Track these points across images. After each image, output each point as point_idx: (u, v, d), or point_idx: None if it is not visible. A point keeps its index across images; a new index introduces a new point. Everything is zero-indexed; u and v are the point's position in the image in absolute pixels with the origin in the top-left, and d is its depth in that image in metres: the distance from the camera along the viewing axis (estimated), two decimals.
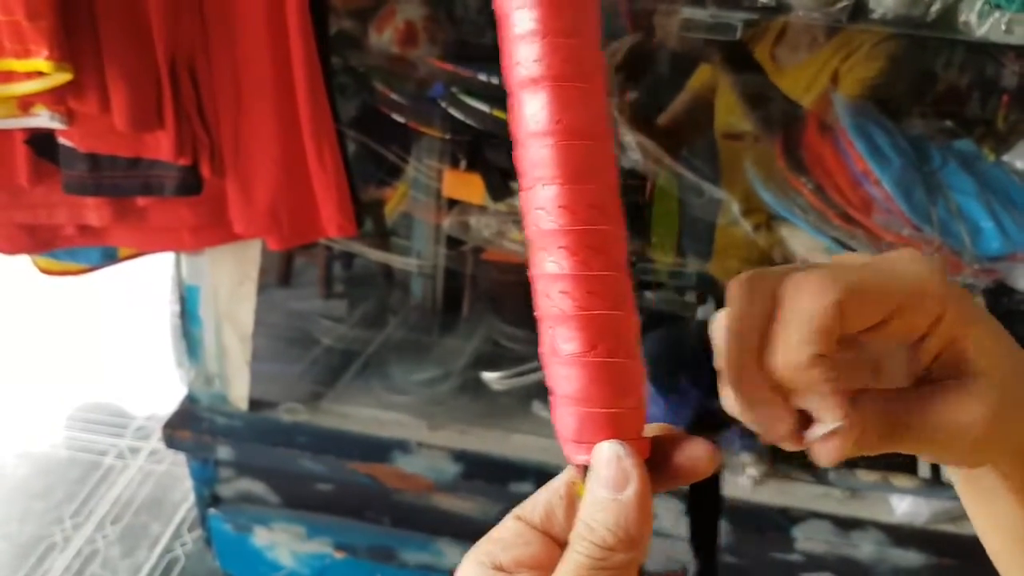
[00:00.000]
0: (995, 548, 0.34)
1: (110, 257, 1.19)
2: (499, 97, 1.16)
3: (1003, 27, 0.88)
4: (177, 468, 1.74)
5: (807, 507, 1.21)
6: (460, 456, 1.27)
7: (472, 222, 1.28)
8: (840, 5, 0.92)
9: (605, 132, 0.27)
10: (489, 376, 1.36)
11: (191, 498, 1.60)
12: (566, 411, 0.28)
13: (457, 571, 0.29)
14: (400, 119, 1.25)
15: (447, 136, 1.25)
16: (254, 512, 1.37)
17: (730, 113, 1.23)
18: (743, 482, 1.23)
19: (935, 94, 1.26)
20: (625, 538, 0.26)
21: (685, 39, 1.07)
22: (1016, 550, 0.33)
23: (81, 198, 1.03)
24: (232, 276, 1.21)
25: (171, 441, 1.34)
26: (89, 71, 0.88)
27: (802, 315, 0.27)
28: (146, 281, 1.69)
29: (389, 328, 1.52)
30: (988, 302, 1.12)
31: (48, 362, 2.07)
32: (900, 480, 1.18)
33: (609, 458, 0.27)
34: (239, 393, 1.32)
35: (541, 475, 1.16)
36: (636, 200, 1.23)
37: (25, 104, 0.89)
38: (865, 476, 1.21)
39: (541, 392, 1.35)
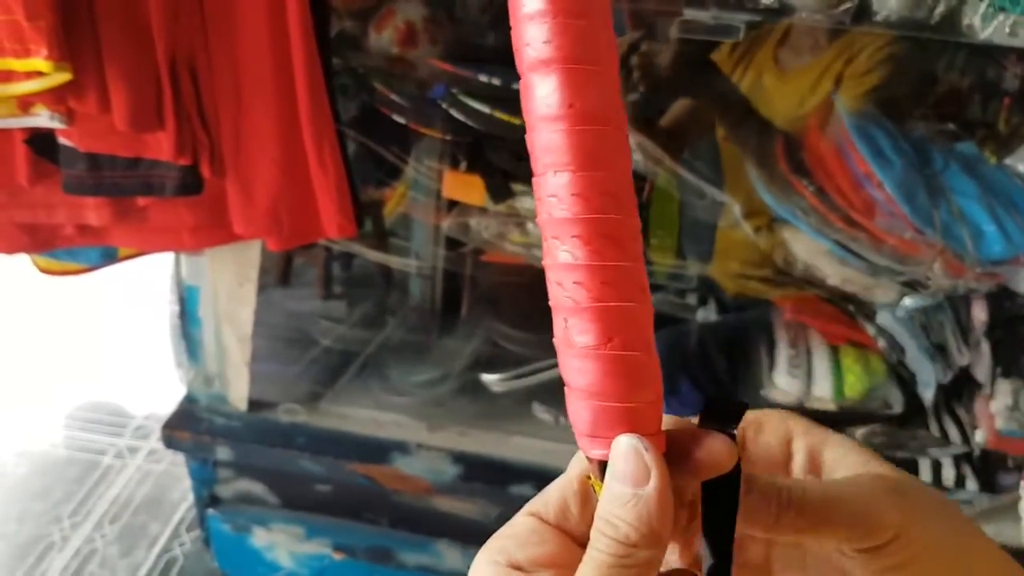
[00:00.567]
0: None
1: (110, 257, 1.19)
2: (500, 98, 1.15)
3: (1007, 30, 0.87)
4: (176, 468, 1.74)
5: None
6: (459, 458, 1.27)
7: (472, 223, 1.28)
8: (844, 7, 0.92)
9: (618, 117, 0.26)
10: (489, 378, 1.36)
11: (190, 498, 1.60)
12: (580, 404, 0.27)
13: (471, 571, 0.28)
14: (400, 120, 1.25)
15: (447, 137, 1.24)
16: (253, 512, 1.37)
17: None
18: None
19: (937, 96, 1.26)
20: (649, 534, 0.25)
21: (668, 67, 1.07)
22: None
23: (81, 198, 1.03)
24: (232, 277, 1.21)
25: (170, 441, 1.34)
26: (89, 71, 0.88)
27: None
28: (146, 281, 1.69)
29: (388, 329, 1.52)
30: (990, 306, 1.11)
31: (47, 361, 2.07)
32: None
33: (628, 452, 0.26)
34: (238, 394, 1.31)
35: (541, 477, 1.16)
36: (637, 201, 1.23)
37: (25, 104, 0.89)
38: None
39: (541, 394, 1.35)
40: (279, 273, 1.61)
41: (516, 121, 1.13)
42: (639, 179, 1.20)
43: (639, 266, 0.26)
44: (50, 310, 2.15)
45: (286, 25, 0.95)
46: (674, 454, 0.27)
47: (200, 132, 0.98)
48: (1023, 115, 1.21)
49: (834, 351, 1.20)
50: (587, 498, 0.29)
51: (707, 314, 1.35)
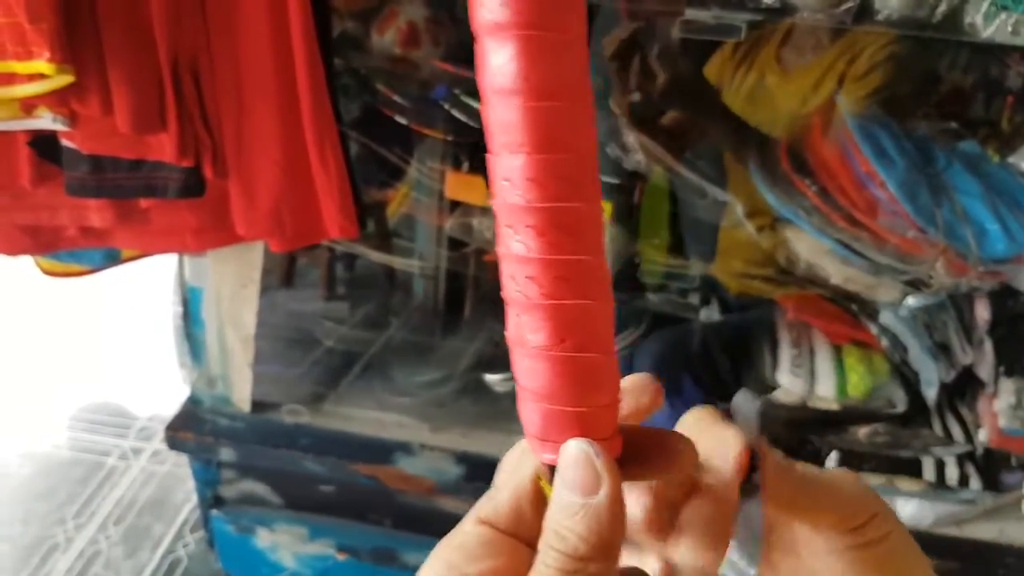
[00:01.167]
0: None
1: (112, 258, 1.19)
2: None
3: (1009, 28, 0.87)
4: (179, 469, 1.74)
5: None
6: (462, 458, 1.27)
7: (474, 224, 1.28)
8: (845, 6, 0.92)
9: (583, 94, 0.23)
10: (492, 378, 1.36)
11: (193, 499, 1.60)
12: (531, 406, 0.25)
13: None
14: (402, 120, 1.25)
15: (449, 138, 1.24)
16: (256, 513, 1.37)
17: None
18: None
19: (939, 95, 1.26)
20: (599, 545, 0.24)
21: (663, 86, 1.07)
22: None
23: (83, 200, 1.03)
24: (234, 278, 1.21)
25: (173, 442, 1.34)
26: (91, 73, 0.88)
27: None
28: (149, 282, 1.69)
29: (391, 330, 1.52)
30: (993, 305, 1.11)
31: (51, 363, 2.08)
32: (905, 484, 1.18)
33: (577, 459, 0.24)
34: (241, 395, 1.31)
35: None
36: (631, 200, 1.23)
37: (28, 106, 0.89)
38: (870, 479, 1.21)
39: None
40: (283, 274, 1.61)
41: None
42: (634, 179, 1.20)
43: (599, 260, 0.24)
44: (53, 312, 2.15)
45: (288, 26, 0.95)
46: (628, 454, 0.26)
47: (202, 134, 0.98)
48: None
49: (837, 350, 1.20)
50: (542, 501, 0.26)
51: (710, 314, 1.35)
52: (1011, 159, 1.13)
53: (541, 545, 0.25)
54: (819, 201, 1.04)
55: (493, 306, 1.49)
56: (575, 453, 0.24)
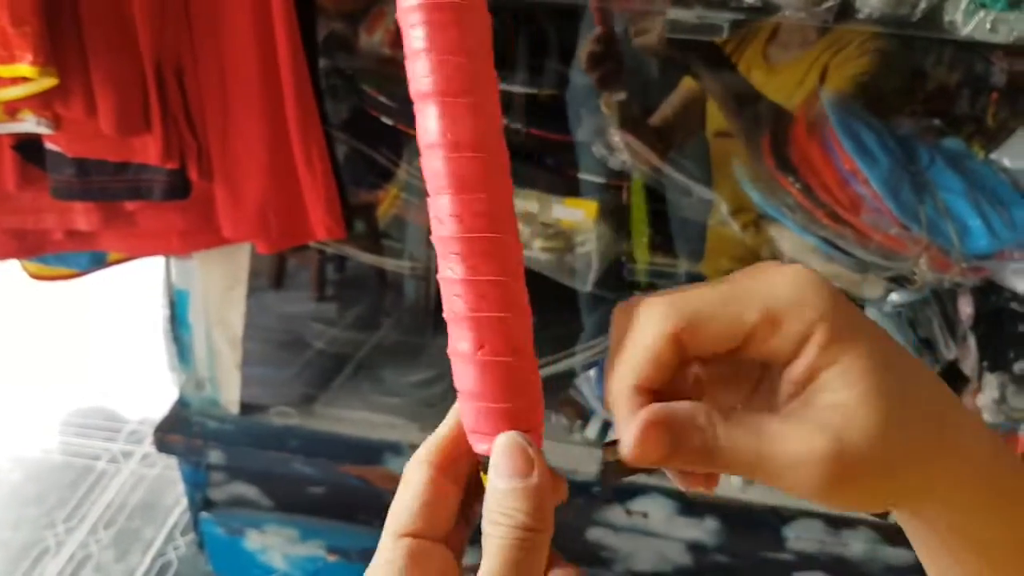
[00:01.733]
0: None
1: (99, 261, 1.19)
2: None
3: (988, 26, 0.88)
4: (169, 472, 1.74)
5: (798, 506, 1.21)
6: None
7: None
8: (826, 5, 0.93)
9: (495, 144, 0.28)
10: None
11: (183, 502, 1.60)
12: (466, 405, 0.29)
13: None
14: (391, 122, 1.25)
15: None
16: (246, 515, 1.37)
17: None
18: (734, 481, 1.23)
19: (923, 92, 1.26)
20: (543, 518, 0.27)
21: (664, 44, 1.07)
22: None
23: (69, 203, 1.03)
24: (221, 280, 1.21)
25: (162, 445, 1.34)
26: (75, 76, 0.88)
27: (630, 347, 0.28)
28: (137, 285, 1.69)
29: (382, 331, 1.52)
30: (976, 301, 1.12)
31: (40, 367, 2.07)
32: None
33: (510, 447, 0.28)
34: (230, 397, 1.31)
35: None
36: (619, 200, 1.23)
37: (11, 109, 0.89)
38: None
39: None
40: (273, 276, 1.61)
41: (507, 124, 1.14)
42: (622, 178, 1.21)
43: (516, 280, 0.28)
44: (41, 315, 2.15)
45: (272, 28, 0.95)
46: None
47: (187, 135, 0.98)
48: (1010, 110, 1.21)
49: None
50: (447, 501, 0.29)
51: None
52: (994, 155, 1.14)
53: (486, 527, 0.27)
54: (802, 198, 1.04)
55: None
56: (507, 443, 0.28)
